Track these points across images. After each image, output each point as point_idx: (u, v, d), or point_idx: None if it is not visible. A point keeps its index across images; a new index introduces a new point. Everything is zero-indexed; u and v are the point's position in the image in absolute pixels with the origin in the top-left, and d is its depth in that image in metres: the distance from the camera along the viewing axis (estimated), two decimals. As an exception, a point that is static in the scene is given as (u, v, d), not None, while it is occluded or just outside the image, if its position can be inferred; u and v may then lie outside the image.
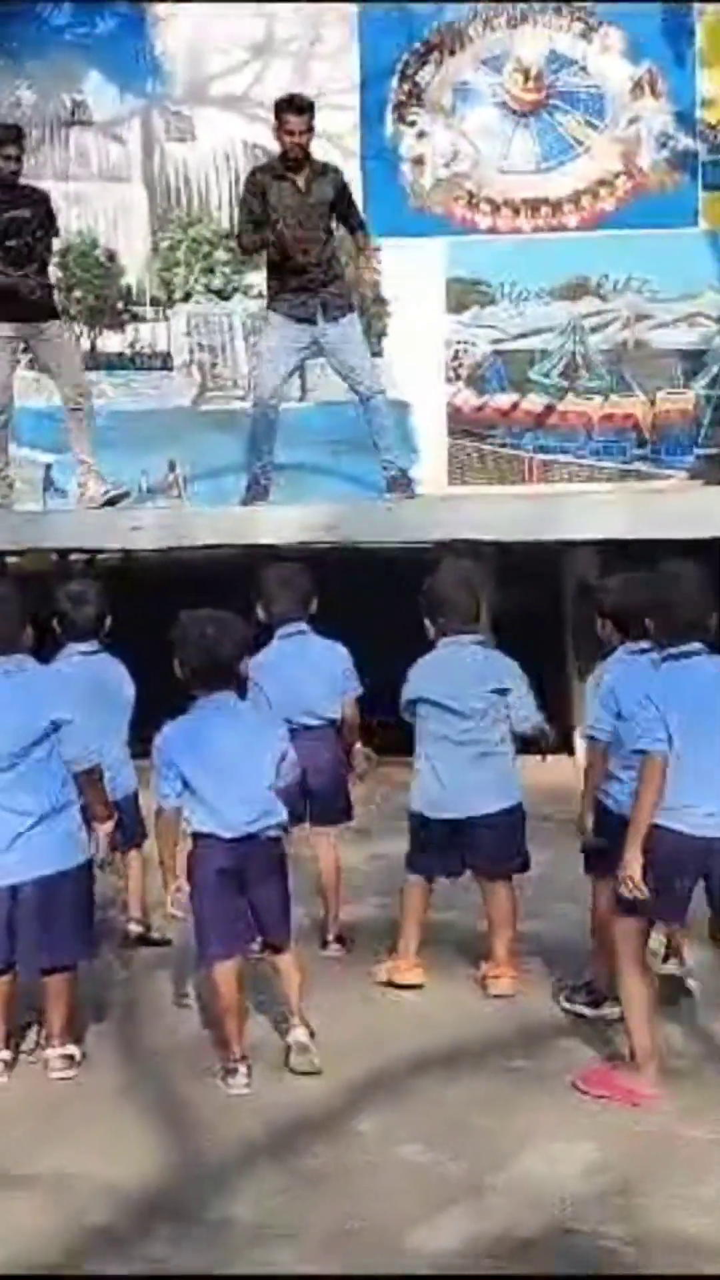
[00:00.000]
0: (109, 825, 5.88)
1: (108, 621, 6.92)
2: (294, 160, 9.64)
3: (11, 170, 9.86)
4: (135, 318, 14.28)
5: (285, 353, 9.90)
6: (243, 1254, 4.34)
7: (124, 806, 6.52)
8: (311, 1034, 5.59)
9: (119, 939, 6.86)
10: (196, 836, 5.54)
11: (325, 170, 9.81)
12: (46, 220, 10.09)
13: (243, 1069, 5.44)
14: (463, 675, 6.29)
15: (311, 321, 9.68)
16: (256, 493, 10.25)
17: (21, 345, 10.21)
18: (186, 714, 5.63)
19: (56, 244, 10.68)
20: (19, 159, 9.94)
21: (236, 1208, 4.60)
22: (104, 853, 5.90)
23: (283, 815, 5.59)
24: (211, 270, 14.19)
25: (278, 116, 9.65)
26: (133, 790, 6.79)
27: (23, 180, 10.12)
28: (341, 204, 9.84)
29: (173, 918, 5.79)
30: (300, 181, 9.65)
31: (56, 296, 10.54)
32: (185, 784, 5.49)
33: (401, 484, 10.13)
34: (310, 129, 9.61)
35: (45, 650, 6.58)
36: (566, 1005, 6.02)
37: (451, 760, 6.27)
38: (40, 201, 10.11)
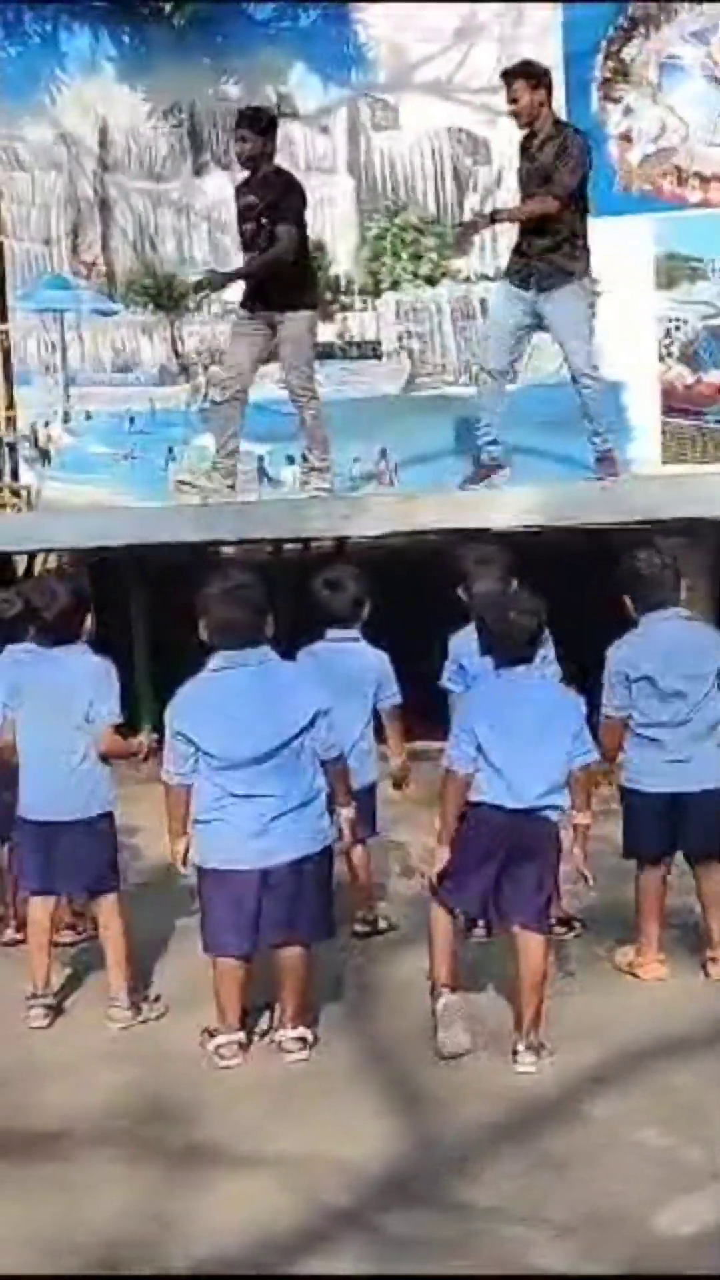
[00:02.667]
0: (351, 812, 5.92)
1: (366, 609, 6.95)
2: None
3: (248, 155, 9.89)
4: (344, 307, 14.33)
5: (507, 323, 9.80)
6: (485, 1236, 4.30)
7: (362, 797, 6.55)
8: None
9: (349, 927, 6.88)
10: (478, 804, 5.54)
11: (553, 135, 9.66)
12: (277, 205, 9.96)
13: (447, 993, 5.50)
14: (675, 651, 6.20)
15: (525, 288, 9.55)
16: (481, 474, 10.18)
17: (268, 333, 10.20)
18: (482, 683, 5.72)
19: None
20: (254, 143, 9.91)
21: (476, 1191, 4.57)
22: (347, 839, 5.94)
23: (565, 798, 5.56)
24: (419, 257, 14.16)
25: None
26: (372, 781, 6.81)
27: (276, 165, 10.18)
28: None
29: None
30: (532, 147, 9.62)
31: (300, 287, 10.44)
32: (480, 750, 5.52)
33: (609, 463, 9.95)
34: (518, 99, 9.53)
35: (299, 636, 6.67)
36: None
37: (665, 736, 6.19)
38: (272, 187, 10.02)
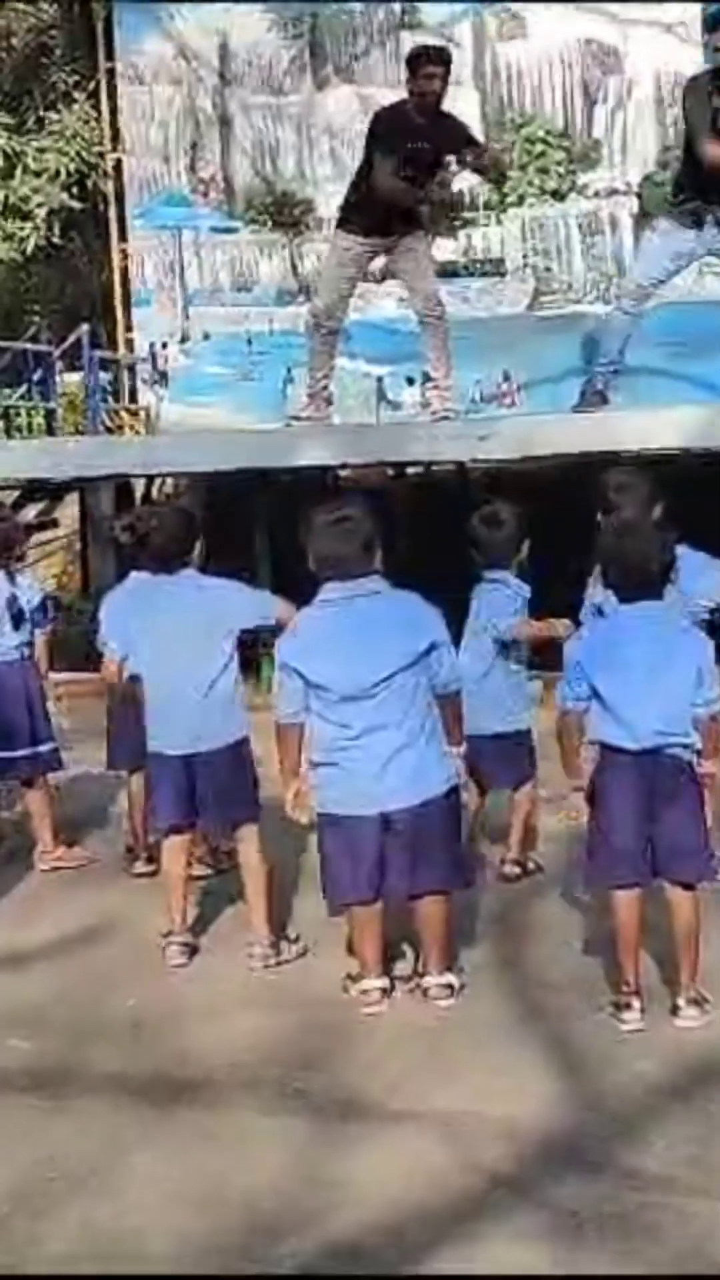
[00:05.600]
0: (461, 749, 5.68)
1: (524, 547, 6.68)
2: None
3: (435, 93, 9.45)
4: (468, 224, 13.98)
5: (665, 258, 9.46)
6: (666, 1213, 4.04)
7: (520, 738, 6.49)
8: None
9: (495, 871, 6.70)
10: (602, 747, 5.28)
11: None
12: (451, 149, 9.68)
13: (636, 1003, 5.17)
14: None
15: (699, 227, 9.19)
16: (593, 400, 9.86)
17: (371, 257, 9.93)
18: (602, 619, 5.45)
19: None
20: (444, 84, 9.51)
21: (647, 1157, 4.33)
22: (462, 777, 5.72)
23: (689, 736, 5.23)
24: (545, 171, 13.78)
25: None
26: (528, 725, 6.60)
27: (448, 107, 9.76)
28: None
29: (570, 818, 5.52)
30: None
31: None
32: (594, 692, 5.23)
33: None
34: None
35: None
36: None
37: None
38: (449, 138, 9.66)
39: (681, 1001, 5.18)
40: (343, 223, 9.94)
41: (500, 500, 6.90)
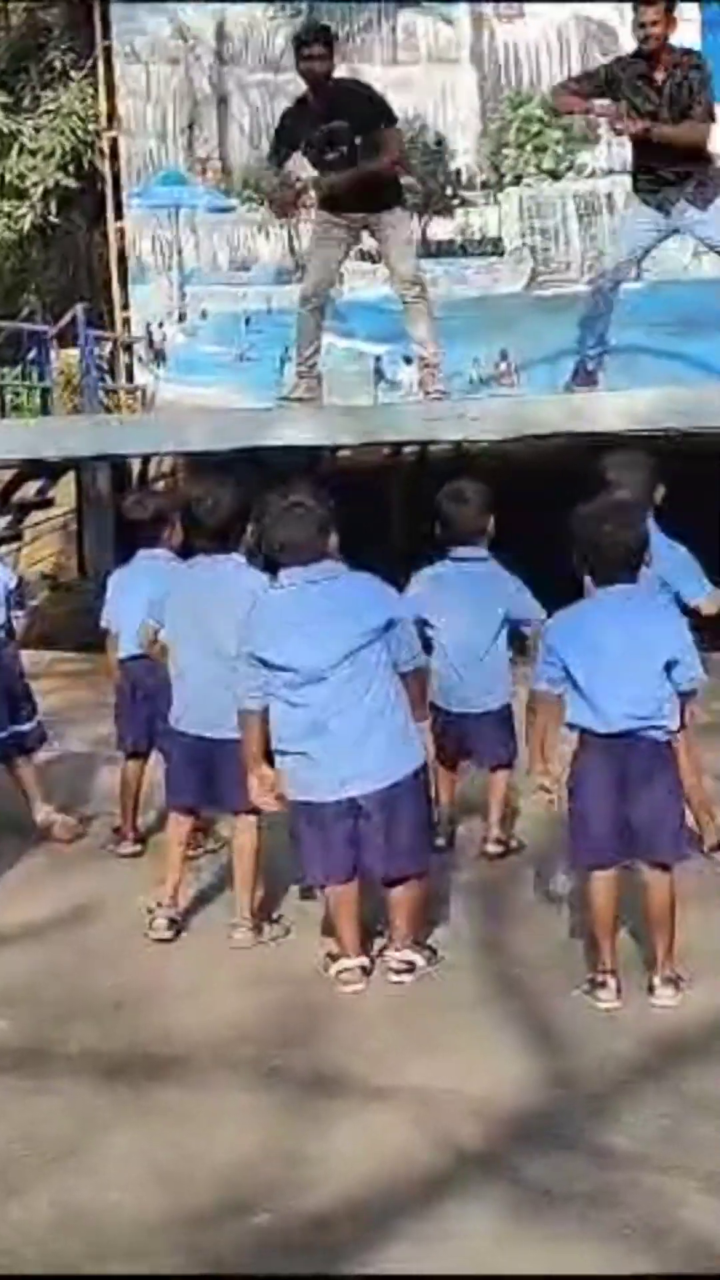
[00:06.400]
0: (425, 724, 5.70)
1: (490, 526, 6.69)
2: None
3: (323, 71, 9.53)
4: (465, 203, 13.94)
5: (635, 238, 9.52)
6: (633, 1189, 4.07)
7: (499, 716, 6.50)
8: None
9: (477, 849, 6.72)
10: (578, 731, 5.29)
11: (681, 62, 9.26)
12: (371, 120, 9.67)
13: (612, 982, 5.19)
14: None
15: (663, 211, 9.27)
16: (583, 381, 9.87)
17: (355, 237, 9.94)
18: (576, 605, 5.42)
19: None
20: (328, 58, 9.60)
21: (617, 1135, 4.35)
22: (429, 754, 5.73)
23: (671, 718, 5.23)
24: (543, 149, 13.75)
25: None
26: (507, 700, 6.61)
27: (343, 76, 9.88)
28: None
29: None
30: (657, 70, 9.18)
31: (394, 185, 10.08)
32: (569, 675, 5.24)
33: None
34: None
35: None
36: None
37: None
38: (361, 101, 9.72)
39: (657, 981, 5.20)
40: (321, 201, 9.95)
41: (468, 478, 6.93)
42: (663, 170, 9.15)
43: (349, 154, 9.55)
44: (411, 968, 5.52)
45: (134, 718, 7.03)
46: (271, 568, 5.50)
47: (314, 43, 9.60)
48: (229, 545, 6.03)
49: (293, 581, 5.42)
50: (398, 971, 5.51)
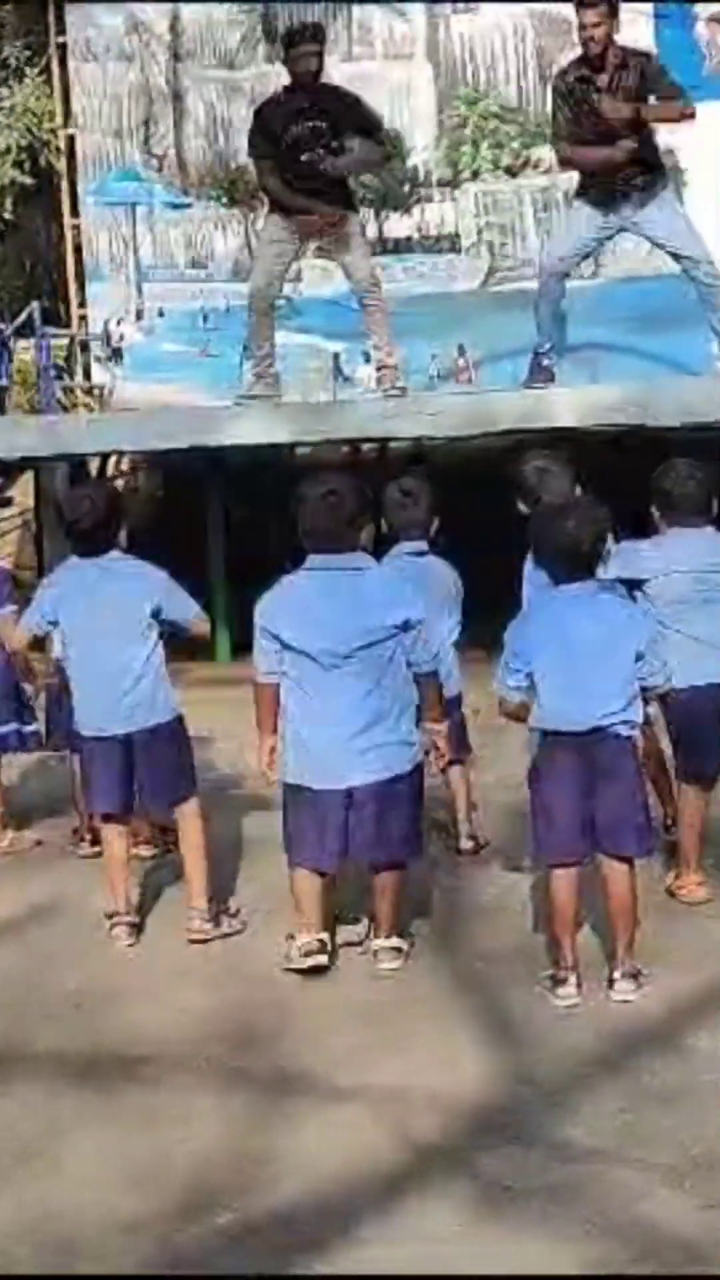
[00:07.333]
0: (442, 728, 5.72)
1: (435, 521, 6.73)
2: None
3: (313, 71, 9.51)
4: (422, 199, 13.94)
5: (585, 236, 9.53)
6: (592, 1182, 4.10)
7: (453, 712, 6.43)
8: None
9: (449, 844, 6.76)
10: (544, 733, 5.32)
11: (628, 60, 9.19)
12: (347, 126, 9.61)
13: (573, 979, 5.22)
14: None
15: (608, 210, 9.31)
16: (540, 376, 9.90)
17: (301, 236, 9.91)
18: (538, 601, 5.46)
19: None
20: (320, 57, 9.57)
21: (577, 1128, 4.39)
22: (436, 757, 5.77)
23: (633, 714, 5.28)
24: (500, 146, 13.75)
25: None
26: (458, 693, 6.63)
27: (327, 81, 9.80)
28: None
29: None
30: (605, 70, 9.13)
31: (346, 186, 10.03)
32: (534, 675, 5.28)
33: None
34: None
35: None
36: None
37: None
38: (345, 108, 9.66)
39: (617, 975, 5.24)
40: (273, 204, 9.94)
41: (415, 472, 6.97)
42: (615, 187, 9.16)
43: (323, 156, 9.53)
44: (400, 952, 5.58)
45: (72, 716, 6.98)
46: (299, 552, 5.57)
47: (310, 39, 9.58)
48: (104, 546, 6.04)
49: (318, 567, 5.50)
50: (388, 959, 5.56)
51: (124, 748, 5.99)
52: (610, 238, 9.72)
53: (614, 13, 8.95)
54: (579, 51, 9.16)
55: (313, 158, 9.48)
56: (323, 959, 5.51)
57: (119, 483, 12.97)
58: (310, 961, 5.48)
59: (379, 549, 6.64)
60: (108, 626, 5.95)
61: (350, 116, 9.63)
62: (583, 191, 9.40)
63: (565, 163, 9.50)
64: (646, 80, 9.06)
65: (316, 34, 9.73)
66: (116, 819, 6.13)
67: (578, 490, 6.32)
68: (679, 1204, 3.97)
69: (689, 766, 6.10)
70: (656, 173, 9.30)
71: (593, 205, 9.30)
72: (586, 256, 10.01)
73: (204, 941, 5.91)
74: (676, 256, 9.43)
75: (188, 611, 6.07)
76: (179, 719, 6.08)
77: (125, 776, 6.03)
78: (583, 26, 8.95)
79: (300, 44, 9.53)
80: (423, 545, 6.66)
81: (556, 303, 9.73)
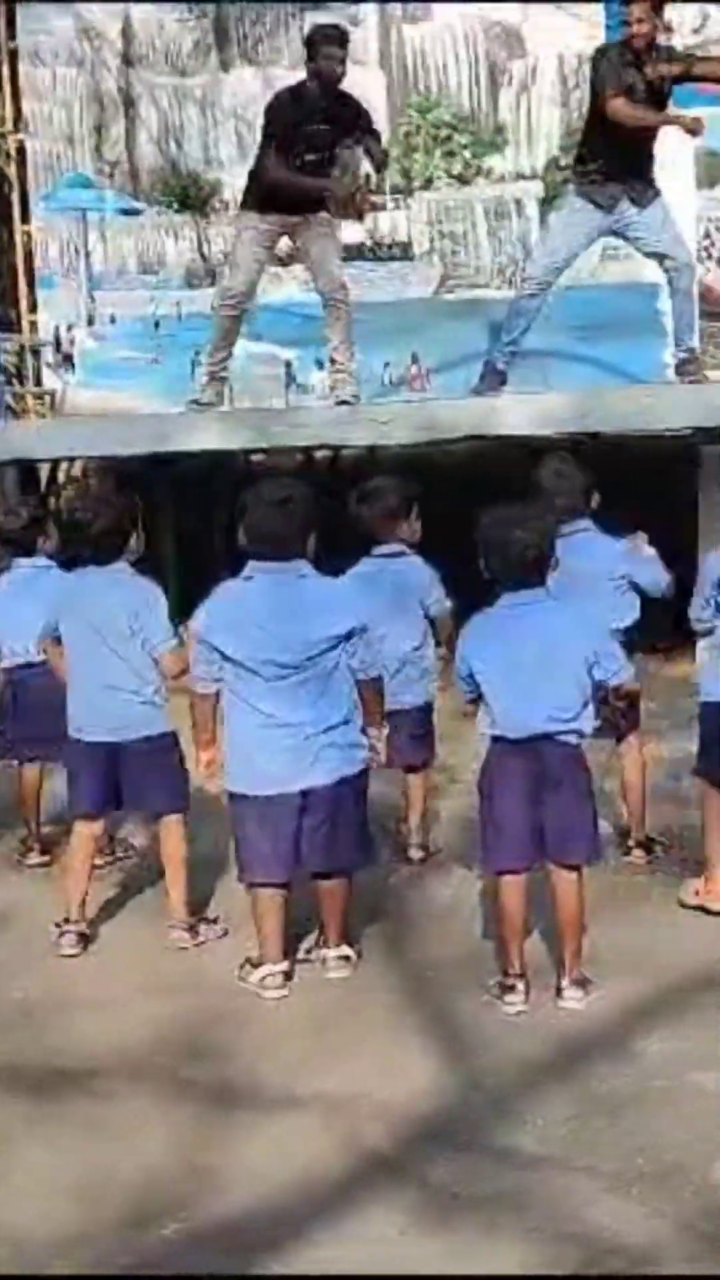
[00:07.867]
0: (383, 735, 5.71)
1: (414, 520, 6.72)
2: None
3: (338, 75, 9.46)
4: (374, 207, 13.93)
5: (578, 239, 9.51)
6: (537, 1189, 4.11)
7: (419, 717, 6.48)
8: None
9: (396, 852, 6.75)
10: (491, 740, 5.33)
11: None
12: (354, 133, 9.68)
13: (520, 986, 5.23)
14: None
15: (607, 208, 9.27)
16: (491, 381, 9.90)
17: (279, 237, 9.90)
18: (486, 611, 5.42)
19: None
20: (344, 62, 9.53)
21: (524, 1136, 4.39)
22: (376, 764, 5.74)
23: (583, 723, 5.28)
24: (452, 154, 13.78)
25: None
26: (427, 701, 6.64)
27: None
28: None
29: None
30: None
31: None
32: (482, 683, 5.28)
33: (690, 367, 9.62)
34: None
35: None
36: None
37: None
38: (356, 115, 9.69)
39: (565, 983, 5.25)
40: (246, 203, 9.92)
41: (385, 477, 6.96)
42: (613, 167, 9.10)
43: (327, 160, 9.56)
44: (348, 960, 5.59)
45: (22, 726, 6.95)
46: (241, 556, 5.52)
47: (337, 43, 9.53)
48: (112, 556, 6.00)
49: (261, 575, 5.43)
50: (338, 967, 5.56)
51: (114, 754, 5.97)
52: (597, 238, 9.65)
53: (659, 10, 8.95)
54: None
55: (319, 158, 9.48)
56: (284, 993, 5.49)
57: (68, 488, 12.92)
58: (273, 995, 5.46)
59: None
60: (100, 639, 5.92)
61: (359, 125, 9.69)
62: (587, 188, 9.28)
63: (621, 119, 8.92)
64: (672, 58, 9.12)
65: (344, 39, 9.69)
66: (92, 824, 6.12)
67: (595, 497, 6.36)
68: (625, 1211, 3.98)
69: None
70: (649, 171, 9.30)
71: (595, 204, 9.22)
72: (574, 259, 9.83)
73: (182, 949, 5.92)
74: (662, 259, 9.40)
75: (155, 635, 5.93)
76: (172, 733, 6.03)
77: (111, 782, 6.02)
78: (626, 22, 8.95)
79: (327, 45, 9.50)
80: (400, 547, 6.64)
81: (537, 312, 9.69)
